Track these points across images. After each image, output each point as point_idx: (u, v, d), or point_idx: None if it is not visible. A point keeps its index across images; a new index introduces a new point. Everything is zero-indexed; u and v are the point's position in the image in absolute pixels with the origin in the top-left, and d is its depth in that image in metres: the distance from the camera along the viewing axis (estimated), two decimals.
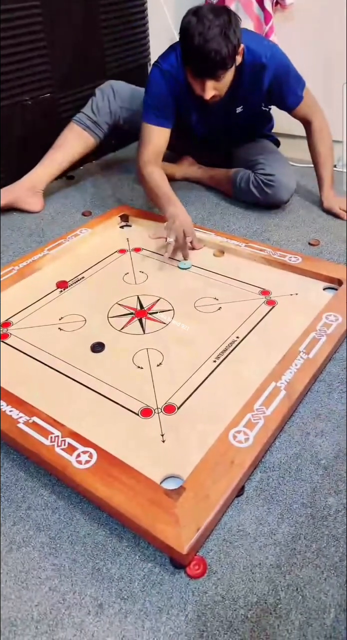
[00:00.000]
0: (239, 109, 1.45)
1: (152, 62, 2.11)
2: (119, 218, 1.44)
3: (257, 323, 1.03)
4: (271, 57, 1.34)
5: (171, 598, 0.63)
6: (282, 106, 1.46)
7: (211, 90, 1.25)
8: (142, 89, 1.67)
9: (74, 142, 1.59)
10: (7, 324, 1.05)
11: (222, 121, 1.49)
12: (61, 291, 1.16)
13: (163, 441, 0.79)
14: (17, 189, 1.55)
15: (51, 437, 0.77)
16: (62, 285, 1.17)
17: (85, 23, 1.77)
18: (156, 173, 1.39)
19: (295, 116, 1.49)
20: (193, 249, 1.29)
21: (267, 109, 1.57)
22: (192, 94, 1.33)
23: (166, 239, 1.21)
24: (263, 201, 1.51)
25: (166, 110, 1.41)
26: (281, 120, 1.69)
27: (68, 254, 1.29)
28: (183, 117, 1.47)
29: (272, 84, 1.38)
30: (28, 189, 1.55)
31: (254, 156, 1.54)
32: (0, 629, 0.61)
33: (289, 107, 1.44)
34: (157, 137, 1.42)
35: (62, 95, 1.76)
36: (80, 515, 0.73)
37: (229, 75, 1.27)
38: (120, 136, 1.72)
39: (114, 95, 1.61)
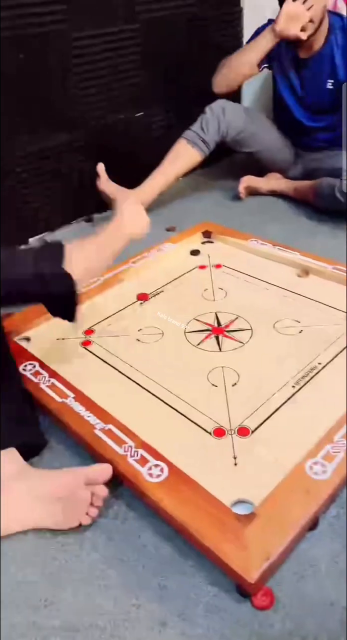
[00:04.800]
0: (329, 84, 1.56)
1: None
2: (202, 234, 1.45)
3: (342, 350, 0.98)
4: None
5: (235, 627, 0.62)
6: None
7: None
8: (253, 109, 1.74)
9: (182, 158, 1.64)
10: (90, 331, 1.09)
11: (314, 92, 1.62)
12: (141, 303, 1.18)
13: (235, 464, 0.77)
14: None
15: (125, 447, 0.78)
16: (143, 297, 1.20)
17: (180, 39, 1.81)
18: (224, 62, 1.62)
19: None
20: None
21: None
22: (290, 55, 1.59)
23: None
24: None
25: None
26: None
27: (150, 268, 1.32)
28: (279, 86, 1.67)
29: None
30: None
31: (339, 163, 1.53)
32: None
33: None
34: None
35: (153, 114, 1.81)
36: (148, 527, 0.73)
37: (316, 6, 1.45)
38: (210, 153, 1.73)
39: (224, 114, 1.65)
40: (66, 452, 0.86)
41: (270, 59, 1.62)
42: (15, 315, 1.11)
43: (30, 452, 0.82)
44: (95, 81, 1.58)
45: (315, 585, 0.65)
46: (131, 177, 1.61)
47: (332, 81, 1.58)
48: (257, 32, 1.63)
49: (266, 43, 1.55)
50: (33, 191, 1.54)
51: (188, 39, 1.80)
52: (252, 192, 1.76)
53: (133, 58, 1.66)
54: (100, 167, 1.54)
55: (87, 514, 0.73)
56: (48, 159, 1.55)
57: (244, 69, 1.61)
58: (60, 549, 0.72)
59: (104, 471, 0.75)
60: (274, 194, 1.75)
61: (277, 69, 1.68)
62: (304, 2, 1.46)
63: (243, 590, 0.64)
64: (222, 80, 1.64)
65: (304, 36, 1.50)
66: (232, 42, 1.94)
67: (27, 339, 1.07)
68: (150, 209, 1.70)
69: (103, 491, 0.73)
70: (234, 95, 2.07)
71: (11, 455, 0.76)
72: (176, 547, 0.70)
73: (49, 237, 1.61)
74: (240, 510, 0.69)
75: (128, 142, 1.73)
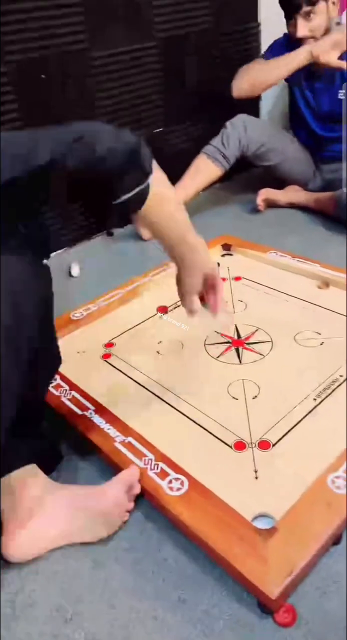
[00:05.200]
0: (341, 94, 1.59)
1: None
2: (221, 247, 1.46)
3: None
4: None
5: None
6: None
7: (303, 27, 1.51)
8: (273, 123, 1.76)
9: (203, 172, 1.66)
10: (110, 344, 1.10)
11: (327, 103, 1.65)
12: (161, 316, 1.19)
13: (256, 478, 0.77)
14: None
15: (145, 460, 0.78)
16: (163, 310, 1.20)
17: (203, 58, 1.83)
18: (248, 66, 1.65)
19: None
20: None
21: None
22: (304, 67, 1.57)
23: None
24: None
25: None
26: None
27: (170, 281, 1.32)
28: (295, 97, 1.70)
29: None
30: None
31: None
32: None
33: None
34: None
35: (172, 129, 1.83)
36: (168, 540, 0.73)
37: (320, 18, 1.51)
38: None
39: (245, 130, 1.66)
40: (78, 464, 0.86)
41: None
42: None
43: (47, 467, 0.80)
44: (111, 100, 1.61)
45: (338, 601, 0.64)
46: None
47: (344, 92, 1.60)
48: (274, 45, 1.66)
49: (299, 62, 1.55)
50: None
51: (206, 55, 1.82)
52: (271, 205, 1.76)
53: (152, 75, 1.69)
54: None
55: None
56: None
57: (271, 79, 1.61)
58: (78, 559, 0.72)
59: (134, 474, 0.76)
60: (292, 206, 1.75)
61: (292, 80, 1.69)
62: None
63: (264, 607, 0.63)
64: (244, 86, 1.64)
65: (345, 65, 1.50)
66: (250, 57, 1.96)
67: None
68: None
69: (138, 489, 0.75)
70: (253, 106, 2.10)
71: (34, 471, 0.74)
72: (196, 561, 0.70)
73: (69, 252, 1.64)
74: (261, 524, 0.68)
75: None
